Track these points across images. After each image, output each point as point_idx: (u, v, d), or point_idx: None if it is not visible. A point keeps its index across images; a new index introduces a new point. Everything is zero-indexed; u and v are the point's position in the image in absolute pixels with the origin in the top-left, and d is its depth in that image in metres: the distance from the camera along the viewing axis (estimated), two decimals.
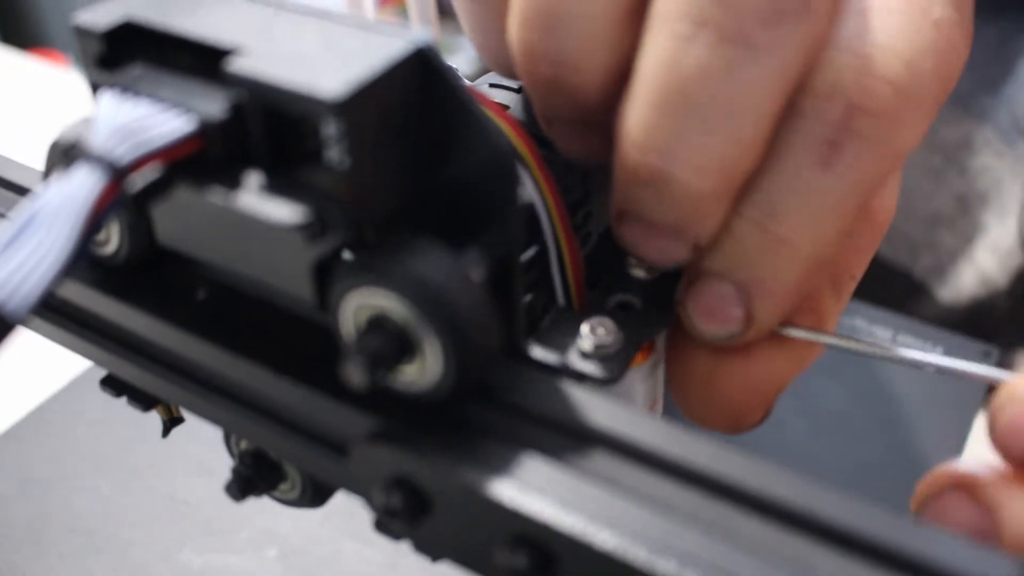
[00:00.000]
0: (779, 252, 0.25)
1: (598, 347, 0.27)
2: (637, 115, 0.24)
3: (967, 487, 0.24)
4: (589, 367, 0.27)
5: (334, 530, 0.52)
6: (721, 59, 0.23)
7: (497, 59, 0.30)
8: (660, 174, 0.24)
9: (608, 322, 0.28)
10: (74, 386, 0.61)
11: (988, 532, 0.23)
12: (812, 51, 0.24)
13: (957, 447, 0.60)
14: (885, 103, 0.24)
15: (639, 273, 0.30)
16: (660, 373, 0.34)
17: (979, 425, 0.60)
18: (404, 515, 0.24)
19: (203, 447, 0.31)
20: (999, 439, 0.24)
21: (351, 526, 0.54)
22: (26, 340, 0.32)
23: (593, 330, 0.28)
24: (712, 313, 0.27)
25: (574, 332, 0.28)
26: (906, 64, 0.24)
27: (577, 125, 0.27)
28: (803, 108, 0.24)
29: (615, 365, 0.27)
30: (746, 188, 0.25)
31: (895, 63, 0.24)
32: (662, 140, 0.24)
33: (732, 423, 0.29)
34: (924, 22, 0.24)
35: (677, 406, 0.29)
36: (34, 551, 0.53)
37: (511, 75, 0.31)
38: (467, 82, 0.28)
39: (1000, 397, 0.24)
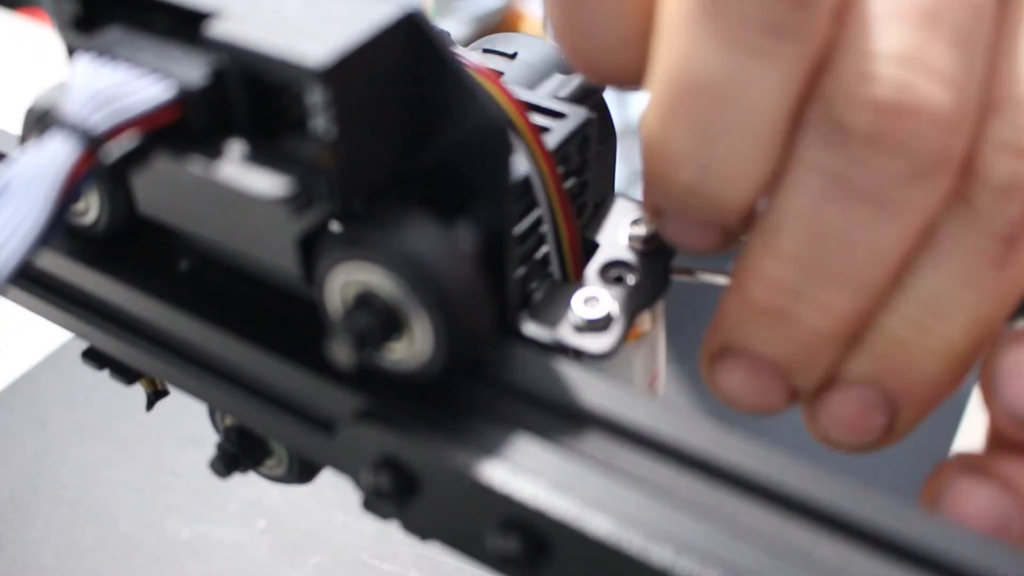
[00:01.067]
0: (939, 352, 0.23)
1: (592, 321, 0.26)
2: (770, 256, 0.23)
3: (980, 468, 0.23)
4: (583, 341, 0.26)
5: (323, 502, 0.51)
6: (860, 219, 0.22)
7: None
8: (785, 313, 0.23)
9: (603, 294, 0.27)
10: (60, 355, 0.60)
11: (1009, 514, 0.23)
12: (950, 197, 0.22)
13: (950, 425, 0.59)
14: None
15: (635, 244, 0.29)
16: (660, 345, 0.33)
17: (973, 399, 0.60)
18: (392, 496, 0.23)
19: (191, 418, 0.31)
20: (1001, 412, 0.23)
21: (341, 498, 0.53)
22: (10, 309, 0.31)
23: (587, 303, 0.27)
24: (853, 425, 0.25)
25: (567, 306, 0.27)
26: None
27: (699, 226, 0.25)
28: (973, 204, 0.22)
29: (610, 339, 0.26)
30: (899, 284, 0.23)
31: None
32: (792, 284, 0.23)
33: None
34: None
35: None
36: (20, 521, 0.52)
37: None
38: (459, 48, 0.27)
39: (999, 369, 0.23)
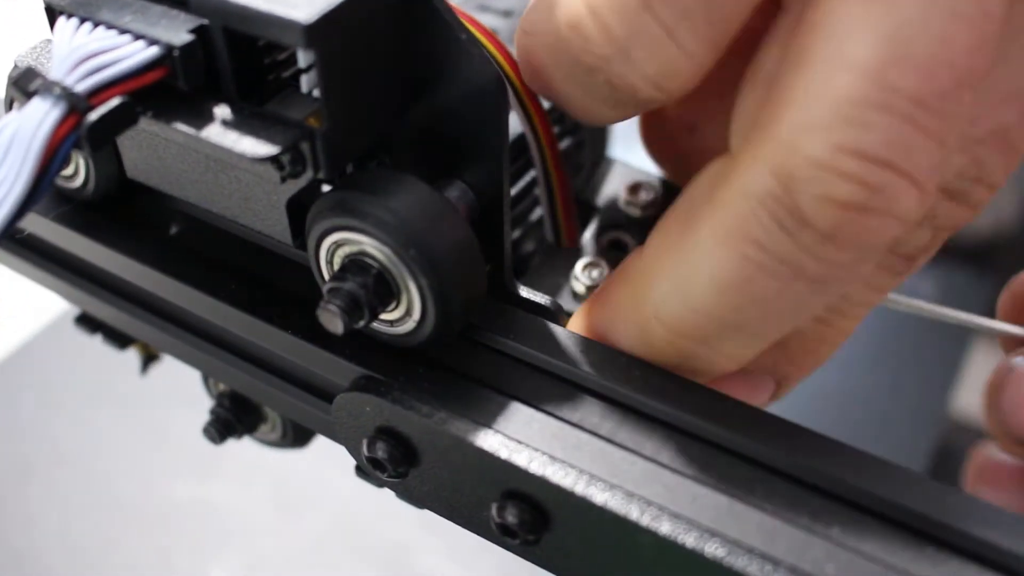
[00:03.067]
0: (833, 342, 0.25)
1: (592, 288, 0.26)
2: (685, 307, 0.22)
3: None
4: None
5: (324, 463, 0.51)
6: (793, 294, 0.21)
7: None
8: (689, 355, 0.23)
9: (603, 263, 0.27)
10: (60, 321, 0.60)
11: None
12: None
13: (944, 384, 0.59)
14: None
15: (633, 211, 0.29)
16: None
17: (972, 360, 0.60)
18: (388, 465, 0.23)
19: (189, 379, 0.30)
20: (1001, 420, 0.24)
21: (341, 458, 0.53)
22: (11, 275, 0.31)
23: (587, 271, 0.26)
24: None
25: (566, 272, 0.27)
26: None
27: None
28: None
29: None
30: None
31: None
32: (702, 333, 0.22)
33: None
34: None
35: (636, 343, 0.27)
36: (18, 483, 0.52)
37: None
38: (452, 4, 0.26)
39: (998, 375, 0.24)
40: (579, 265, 0.26)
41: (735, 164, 0.20)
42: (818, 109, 0.19)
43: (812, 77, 0.19)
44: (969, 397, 0.62)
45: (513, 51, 0.23)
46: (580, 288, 0.26)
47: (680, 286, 0.21)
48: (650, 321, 0.22)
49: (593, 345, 0.23)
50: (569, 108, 0.23)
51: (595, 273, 0.26)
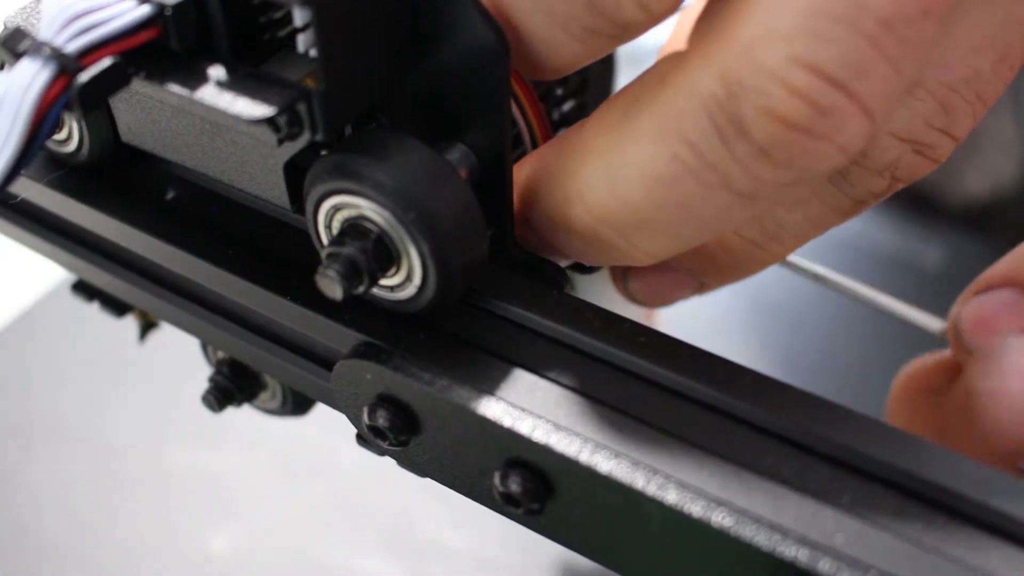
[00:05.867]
0: (764, 263, 0.26)
1: None
2: (602, 190, 0.21)
3: None
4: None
5: (327, 430, 0.51)
6: (716, 202, 0.20)
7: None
8: (608, 246, 0.22)
9: None
10: (61, 288, 0.60)
11: None
12: None
13: None
14: None
15: None
16: None
17: None
18: (389, 435, 0.23)
19: (192, 348, 0.30)
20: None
21: (343, 427, 0.52)
22: (9, 244, 0.30)
23: None
24: (662, 298, 0.27)
25: None
26: None
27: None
28: (847, 178, 0.23)
29: None
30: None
31: None
32: (620, 224, 0.22)
33: None
34: None
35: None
36: (19, 450, 0.52)
37: None
38: None
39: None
40: None
41: (686, 60, 0.20)
42: (779, 16, 0.18)
43: None
44: None
45: None
46: None
47: (609, 171, 0.21)
48: (574, 198, 0.22)
49: (598, 311, 0.23)
50: (531, 46, 0.21)
51: None
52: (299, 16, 0.20)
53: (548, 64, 0.22)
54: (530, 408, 0.21)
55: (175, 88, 0.21)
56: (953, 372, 0.27)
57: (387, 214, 0.21)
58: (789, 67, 0.18)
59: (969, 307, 0.26)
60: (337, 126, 0.21)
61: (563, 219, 0.22)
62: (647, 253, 0.22)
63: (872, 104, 0.18)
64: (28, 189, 0.28)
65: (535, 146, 0.25)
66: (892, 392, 0.29)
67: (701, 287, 0.27)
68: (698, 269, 0.26)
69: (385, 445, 0.23)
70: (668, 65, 0.20)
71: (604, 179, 0.21)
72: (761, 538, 0.18)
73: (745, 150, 0.19)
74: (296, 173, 0.23)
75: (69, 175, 0.27)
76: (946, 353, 0.28)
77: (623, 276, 0.27)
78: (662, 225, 0.21)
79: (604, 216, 0.21)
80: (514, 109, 0.24)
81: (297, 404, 0.30)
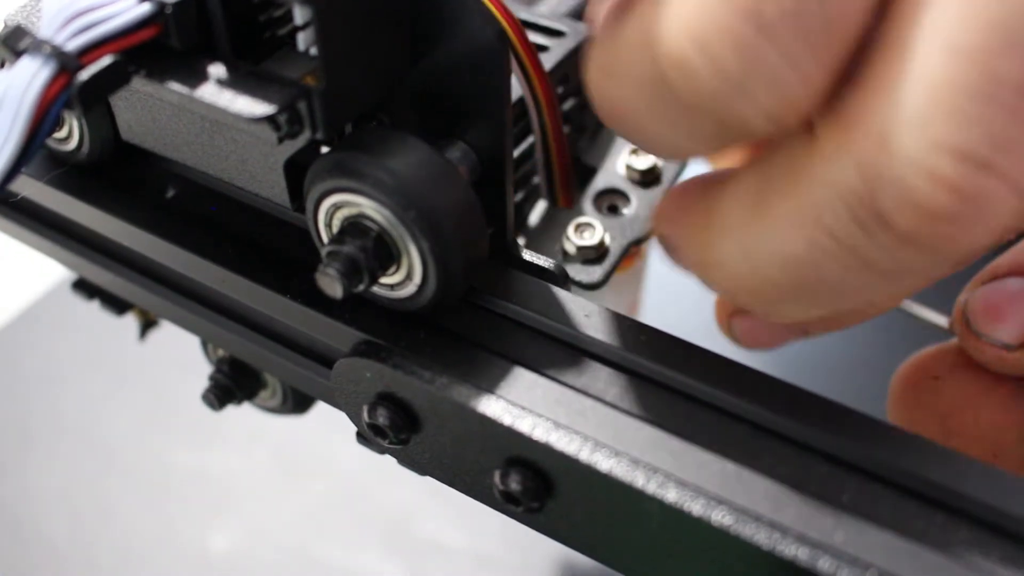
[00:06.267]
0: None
1: (583, 248, 0.26)
2: (746, 264, 0.20)
3: None
4: (574, 271, 0.26)
5: (327, 428, 0.51)
6: (856, 282, 0.19)
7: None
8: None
9: (596, 223, 0.26)
10: (61, 286, 0.60)
11: None
12: None
13: None
14: None
15: (632, 174, 0.28)
16: (642, 280, 0.33)
17: None
18: (389, 433, 0.23)
19: (193, 347, 0.30)
20: None
21: (343, 425, 0.52)
22: (12, 243, 0.30)
23: (579, 230, 0.26)
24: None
25: (560, 234, 0.26)
26: None
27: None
28: None
29: (601, 270, 0.26)
30: None
31: None
32: (764, 300, 0.21)
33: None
34: None
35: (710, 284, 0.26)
36: (23, 451, 0.52)
37: None
38: None
39: None
40: (572, 226, 0.26)
41: (819, 149, 0.19)
42: (915, 98, 0.17)
43: (910, 62, 0.17)
44: None
45: (513, 9, 0.23)
46: (571, 248, 0.26)
47: (746, 250, 0.20)
48: (711, 264, 0.21)
49: (598, 310, 0.23)
50: (653, 147, 0.21)
51: (587, 234, 0.26)
52: (299, 14, 0.20)
53: (670, 157, 0.22)
54: (530, 406, 0.21)
55: (175, 86, 0.21)
56: (956, 358, 0.27)
57: (387, 212, 0.21)
58: (932, 153, 0.17)
59: (978, 295, 0.26)
60: (337, 124, 0.21)
61: (699, 276, 0.22)
62: (782, 317, 0.21)
63: (1021, 178, 0.17)
64: (28, 187, 0.28)
65: (541, 119, 0.24)
66: (894, 381, 0.29)
67: (805, 334, 0.26)
68: (810, 324, 0.26)
69: (385, 443, 0.23)
70: (800, 150, 0.19)
71: (741, 255, 0.20)
72: (761, 536, 0.18)
73: (888, 238, 0.18)
74: (296, 171, 0.23)
75: (69, 173, 0.27)
76: (950, 342, 0.28)
77: (728, 315, 0.27)
78: (801, 298, 0.20)
79: (742, 286, 0.21)
80: (522, 81, 0.24)
81: (297, 402, 0.30)
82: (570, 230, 0.26)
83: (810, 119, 0.19)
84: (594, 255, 0.26)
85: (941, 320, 0.28)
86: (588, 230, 0.26)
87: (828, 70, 0.18)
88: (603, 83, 0.20)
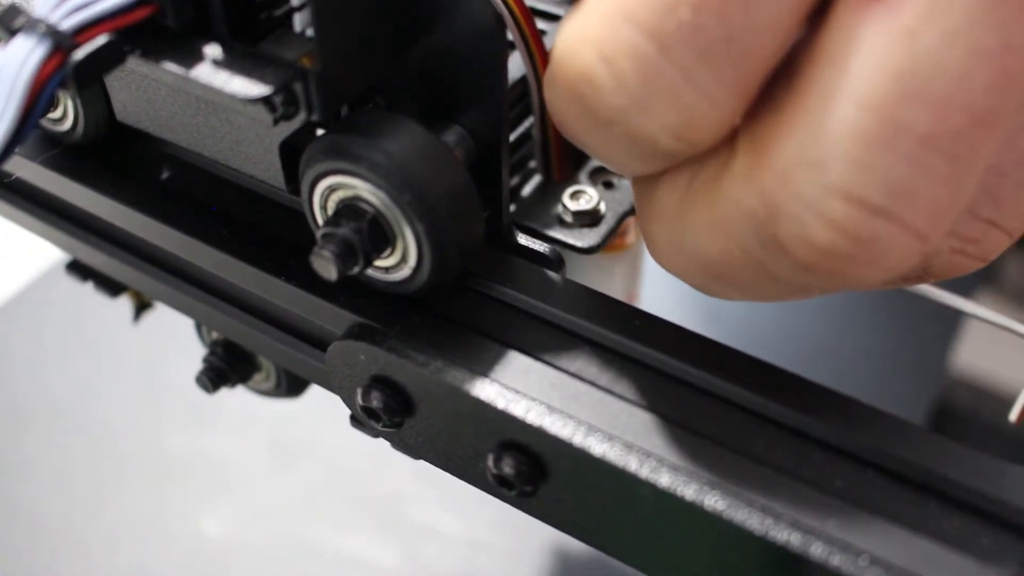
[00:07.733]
0: None
1: (578, 213, 0.26)
2: None
3: None
4: (570, 237, 0.25)
5: (320, 412, 0.51)
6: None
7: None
8: None
9: (590, 190, 0.26)
10: (55, 268, 0.60)
11: None
12: None
13: (944, 341, 0.59)
14: None
15: None
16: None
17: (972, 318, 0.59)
18: (383, 416, 0.23)
19: (185, 327, 0.30)
20: None
21: (337, 408, 0.52)
22: (6, 223, 0.30)
23: (574, 197, 0.26)
24: None
25: (555, 202, 0.26)
26: None
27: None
28: None
29: (597, 235, 0.26)
30: None
31: None
32: None
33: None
34: None
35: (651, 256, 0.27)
36: (16, 435, 0.52)
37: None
38: None
39: None
40: (567, 193, 0.26)
41: (733, 168, 0.19)
42: (815, 144, 0.17)
43: (815, 108, 0.17)
44: (969, 355, 0.61)
45: None
46: (567, 216, 0.26)
47: (673, 240, 0.21)
48: (648, 241, 0.22)
49: (592, 294, 0.23)
50: (602, 160, 0.21)
51: (583, 200, 0.26)
52: None
53: (620, 172, 0.22)
54: (524, 390, 0.21)
55: (171, 67, 0.21)
56: None
57: (382, 195, 0.21)
58: (825, 198, 0.17)
59: None
60: (333, 106, 0.21)
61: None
62: (716, 296, 0.21)
63: (921, 225, 0.17)
64: (22, 168, 0.28)
65: (538, 78, 0.24)
66: None
67: None
68: None
69: (379, 427, 0.23)
70: (722, 163, 0.20)
71: (670, 242, 0.21)
72: (753, 522, 0.18)
73: (787, 264, 0.18)
74: (291, 153, 0.22)
75: (64, 154, 0.27)
76: None
77: None
78: (725, 289, 0.20)
79: (671, 266, 0.21)
80: (524, 57, 0.24)
81: (291, 385, 0.30)
82: (565, 197, 0.26)
83: (735, 135, 0.19)
84: (589, 220, 0.26)
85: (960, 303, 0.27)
86: (583, 196, 0.26)
87: (735, 92, 0.18)
88: (547, 93, 0.20)
